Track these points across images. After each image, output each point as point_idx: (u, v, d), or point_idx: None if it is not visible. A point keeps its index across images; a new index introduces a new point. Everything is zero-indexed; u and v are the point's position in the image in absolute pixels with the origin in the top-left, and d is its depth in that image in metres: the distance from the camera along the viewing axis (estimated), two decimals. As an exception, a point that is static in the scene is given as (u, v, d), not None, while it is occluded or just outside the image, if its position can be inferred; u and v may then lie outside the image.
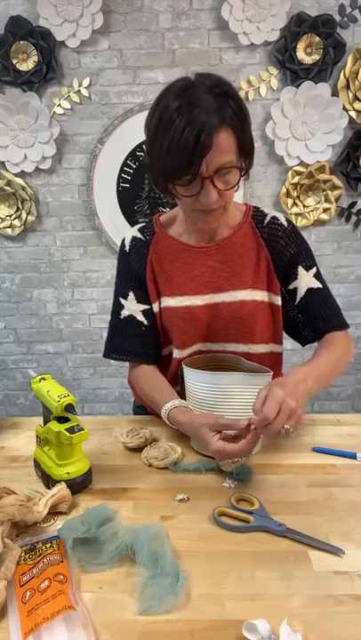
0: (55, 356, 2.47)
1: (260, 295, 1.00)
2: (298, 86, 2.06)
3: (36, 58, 2.04)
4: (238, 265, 0.99)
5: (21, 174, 2.19)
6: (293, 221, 2.26)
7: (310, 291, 1.01)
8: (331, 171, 2.19)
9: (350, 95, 2.08)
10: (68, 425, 0.79)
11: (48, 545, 0.67)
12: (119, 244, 1.10)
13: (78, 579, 0.62)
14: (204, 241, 1.01)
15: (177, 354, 1.03)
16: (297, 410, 0.73)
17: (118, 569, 0.64)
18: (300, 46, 2.03)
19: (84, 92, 2.11)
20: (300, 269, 1.01)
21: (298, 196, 2.21)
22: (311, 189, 2.21)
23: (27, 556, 0.65)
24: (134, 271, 1.04)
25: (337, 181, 2.18)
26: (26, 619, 0.55)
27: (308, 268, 1.02)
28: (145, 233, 1.05)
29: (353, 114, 2.10)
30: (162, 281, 1.02)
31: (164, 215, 1.07)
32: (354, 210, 2.26)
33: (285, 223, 1.02)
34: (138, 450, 0.94)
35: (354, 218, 2.27)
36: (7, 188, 2.18)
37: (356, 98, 2.08)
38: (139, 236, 1.05)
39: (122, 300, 1.06)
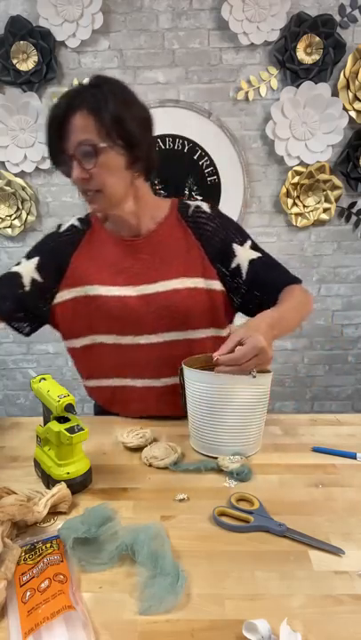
0: (55, 356, 2.47)
1: (193, 282, 1.02)
2: (298, 86, 2.06)
3: (36, 58, 2.04)
4: (168, 255, 1.03)
5: (21, 174, 2.19)
6: (293, 221, 2.25)
7: (252, 262, 1.05)
8: (331, 171, 2.19)
9: (350, 95, 2.08)
10: (68, 425, 0.79)
11: (48, 545, 0.67)
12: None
13: (78, 579, 0.62)
14: (130, 233, 1.04)
15: (111, 340, 1.05)
16: (270, 358, 0.80)
17: (118, 569, 0.64)
18: (300, 46, 2.03)
19: (84, 92, 2.11)
20: (235, 246, 1.05)
21: (298, 196, 2.22)
22: (311, 189, 2.21)
23: (27, 555, 0.65)
24: (58, 249, 1.07)
25: (337, 181, 2.18)
26: (26, 618, 0.55)
27: (242, 243, 1.06)
28: (82, 223, 1.10)
29: (353, 114, 2.10)
30: (93, 270, 1.04)
31: None
32: (354, 210, 2.26)
33: (208, 210, 1.07)
34: (138, 450, 0.94)
35: (354, 218, 2.27)
36: (7, 187, 2.19)
37: (356, 98, 2.08)
38: (77, 224, 1.10)
39: (22, 260, 1.08)
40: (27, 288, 1.04)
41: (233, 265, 1.04)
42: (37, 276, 1.05)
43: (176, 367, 1.04)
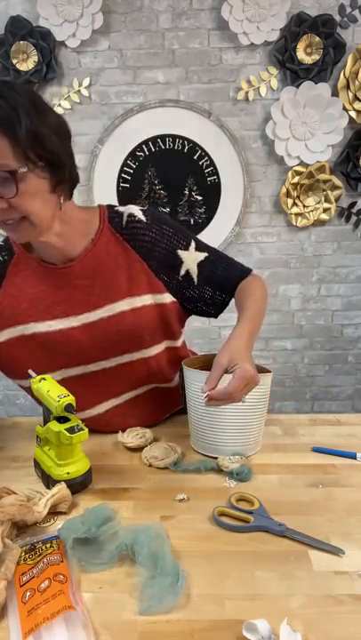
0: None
1: (140, 301, 0.94)
2: (298, 86, 2.06)
3: (35, 58, 2.04)
4: (108, 276, 0.93)
5: (21, 174, 2.19)
6: (293, 221, 2.22)
7: (200, 264, 0.99)
8: (331, 171, 2.19)
9: (350, 95, 2.09)
10: (68, 425, 0.79)
11: (48, 545, 0.67)
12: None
13: (78, 579, 0.62)
14: (61, 260, 0.92)
15: (61, 375, 0.96)
16: (258, 382, 0.79)
17: (118, 569, 0.64)
18: (300, 46, 2.03)
19: (84, 92, 2.11)
20: (181, 253, 0.98)
21: (298, 196, 2.22)
22: (311, 189, 2.21)
23: (27, 555, 0.65)
24: None
25: (337, 181, 2.18)
26: (26, 619, 0.55)
27: (187, 247, 0.98)
28: (3, 253, 0.94)
29: (353, 114, 2.10)
30: (26, 305, 0.92)
31: None
32: (354, 210, 2.26)
33: (143, 217, 0.95)
34: (138, 450, 0.94)
35: (354, 218, 2.27)
36: (7, 187, 2.18)
37: (356, 98, 2.08)
38: None
39: None
40: None
41: (182, 272, 0.98)
42: None
43: (134, 382, 1.02)
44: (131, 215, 0.95)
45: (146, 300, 0.95)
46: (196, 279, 0.99)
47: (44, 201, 0.80)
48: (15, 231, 0.82)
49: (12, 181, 0.74)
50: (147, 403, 1.05)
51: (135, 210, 0.96)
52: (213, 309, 1.05)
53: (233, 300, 1.03)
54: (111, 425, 1.01)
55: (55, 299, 0.92)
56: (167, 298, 0.98)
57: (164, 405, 1.08)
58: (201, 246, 1.01)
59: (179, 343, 1.07)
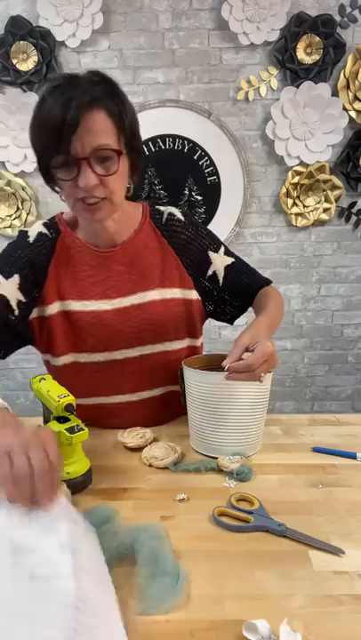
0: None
1: (170, 293, 1.00)
2: (298, 86, 2.06)
3: (35, 58, 2.04)
4: (144, 266, 0.99)
5: (21, 174, 2.19)
6: (293, 221, 2.24)
7: (227, 268, 1.06)
8: (331, 171, 2.19)
9: (350, 95, 2.09)
10: (68, 425, 0.79)
11: (48, 545, 0.67)
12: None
13: (78, 579, 0.62)
14: (106, 244, 0.97)
15: (85, 358, 0.98)
16: (277, 361, 0.82)
17: (118, 569, 0.64)
18: (300, 46, 2.03)
19: (84, 92, 2.11)
20: (211, 254, 1.05)
21: (298, 196, 2.22)
22: (311, 189, 2.21)
23: (27, 555, 0.65)
24: (34, 262, 0.96)
25: (337, 181, 2.19)
26: None
27: (216, 250, 1.06)
28: (50, 230, 0.98)
29: (353, 114, 2.10)
30: (67, 283, 0.97)
31: (67, 214, 1.01)
32: (354, 210, 2.26)
33: (182, 217, 1.04)
34: (138, 450, 0.93)
35: (354, 218, 2.27)
36: (7, 188, 2.19)
37: (356, 98, 2.09)
38: (45, 231, 0.98)
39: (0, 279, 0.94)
40: (16, 312, 0.94)
41: (209, 272, 1.05)
42: (22, 297, 0.95)
43: (152, 380, 1.04)
44: (171, 214, 1.03)
45: (175, 293, 1.01)
46: (221, 281, 1.05)
47: (124, 184, 0.89)
48: (96, 211, 0.87)
49: (114, 161, 0.83)
50: (159, 406, 1.06)
51: (175, 210, 1.05)
52: (230, 314, 1.11)
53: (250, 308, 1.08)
54: (118, 417, 1.02)
55: (94, 280, 0.97)
56: (194, 294, 1.04)
57: (173, 409, 1.09)
58: (229, 252, 1.09)
59: (199, 343, 1.11)
